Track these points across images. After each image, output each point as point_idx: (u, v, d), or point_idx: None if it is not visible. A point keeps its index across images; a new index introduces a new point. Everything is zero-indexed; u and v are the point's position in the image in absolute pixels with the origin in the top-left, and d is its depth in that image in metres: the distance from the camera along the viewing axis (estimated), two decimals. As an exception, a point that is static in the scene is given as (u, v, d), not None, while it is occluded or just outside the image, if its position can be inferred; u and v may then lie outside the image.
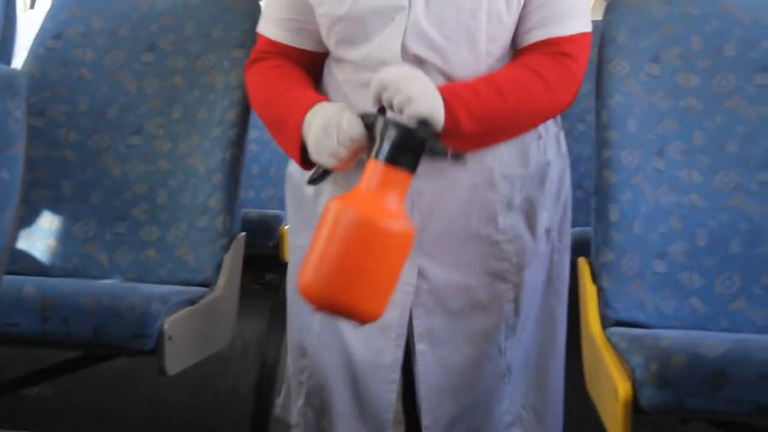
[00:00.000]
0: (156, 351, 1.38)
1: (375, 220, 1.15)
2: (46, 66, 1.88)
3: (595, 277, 1.48)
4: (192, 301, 1.50)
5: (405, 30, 1.32)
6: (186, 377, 1.52)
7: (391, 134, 1.18)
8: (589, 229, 1.62)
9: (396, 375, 1.46)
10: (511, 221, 1.42)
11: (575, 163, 2.22)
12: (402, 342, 1.44)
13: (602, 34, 1.68)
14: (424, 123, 1.20)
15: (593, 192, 1.54)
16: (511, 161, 1.41)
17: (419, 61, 1.33)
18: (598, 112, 1.58)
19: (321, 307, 1.18)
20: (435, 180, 1.38)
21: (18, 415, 2.13)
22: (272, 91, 1.42)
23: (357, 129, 1.23)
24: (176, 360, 1.40)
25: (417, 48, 1.33)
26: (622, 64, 1.59)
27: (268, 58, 1.47)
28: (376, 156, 1.18)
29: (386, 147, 1.17)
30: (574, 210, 2.17)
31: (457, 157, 1.24)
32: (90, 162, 1.82)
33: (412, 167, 1.19)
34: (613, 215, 1.48)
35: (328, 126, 1.25)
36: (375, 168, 1.18)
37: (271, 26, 1.48)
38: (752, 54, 1.62)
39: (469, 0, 1.31)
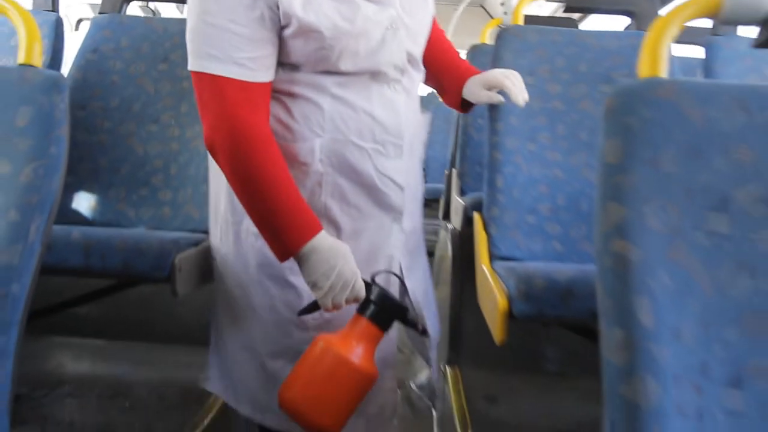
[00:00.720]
0: (170, 278, 1.39)
1: (350, 362, 1.07)
2: (86, 73, 1.86)
3: (486, 227, 1.50)
4: (196, 244, 1.50)
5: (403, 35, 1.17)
6: (194, 300, 1.52)
7: (377, 301, 1.10)
8: (482, 193, 1.63)
9: None
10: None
11: (477, 146, 2.28)
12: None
13: (494, 55, 1.71)
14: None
15: (485, 167, 1.57)
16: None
17: (412, 59, 1.21)
18: (490, 110, 1.59)
19: (293, 414, 1.09)
20: (413, 169, 1.26)
21: (71, 327, 2.12)
22: (260, 179, 1.06)
23: (361, 293, 1.10)
24: (184, 285, 1.41)
25: (411, 48, 1.20)
26: (508, 76, 1.63)
27: (248, 113, 1.07)
28: (362, 313, 1.10)
29: (372, 309, 1.10)
30: (475, 179, 2.24)
31: (425, 332, 1.17)
32: (120, 143, 1.80)
33: (385, 327, 1.11)
34: (499, 183, 1.51)
35: (347, 284, 1.09)
36: (359, 322, 1.10)
37: (241, 70, 1.06)
38: (598, 70, 1.65)
39: None
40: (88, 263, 1.39)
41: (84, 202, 1.76)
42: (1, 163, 0.81)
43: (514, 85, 1.32)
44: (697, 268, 0.66)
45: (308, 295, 1.18)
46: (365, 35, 1.12)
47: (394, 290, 1.27)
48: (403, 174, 1.22)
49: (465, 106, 1.41)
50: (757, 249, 0.68)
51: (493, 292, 1.27)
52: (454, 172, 2.40)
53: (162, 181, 1.76)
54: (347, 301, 1.10)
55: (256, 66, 1.07)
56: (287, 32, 1.09)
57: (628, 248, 0.64)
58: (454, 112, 3.05)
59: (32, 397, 1.70)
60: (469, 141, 2.31)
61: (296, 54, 1.11)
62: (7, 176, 0.80)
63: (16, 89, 0.84)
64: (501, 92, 1.36)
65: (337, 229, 1.20)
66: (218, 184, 1.27)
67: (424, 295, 1.35)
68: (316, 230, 1.08)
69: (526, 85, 1.38)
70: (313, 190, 1.18)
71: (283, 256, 1.09)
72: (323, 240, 1.08)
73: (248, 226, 1.20)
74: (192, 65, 1.07)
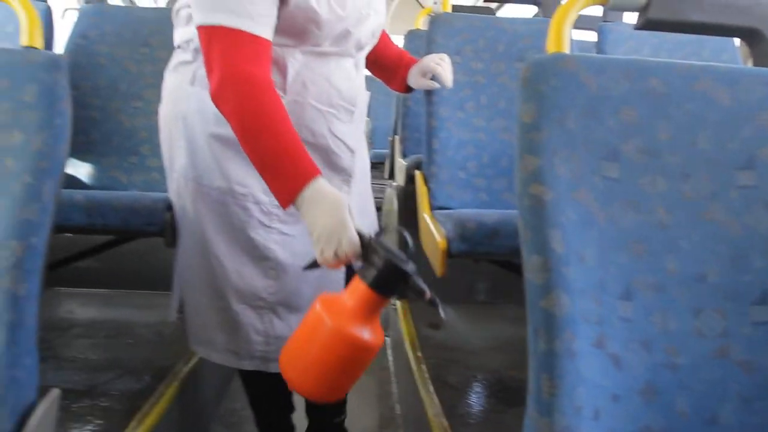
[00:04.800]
0: (163, 233, 1.38)
1: (347, 335, 0.85)
2: (76, 56, 1.78)
3: (426, 182, 1.53)
4: (183, 203, 1.49)
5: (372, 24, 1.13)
6: None
7: (378, 264, 0.86)
8: (420, 155, 1.66)
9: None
10: None
11: (415, 116, 2.29)
12: None
13: (427, 38, 1.71)
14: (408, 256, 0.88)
15: (424, 132, 1.58)
16: None
17: (370, 40, 1.16)
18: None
19: (289, 382, 0.90)
20: (360, 136, 1.22)
21: (77, 280, 2.08)
22: (265, 123, 0.94)
23: (355, 249, 0.90)
24: (175, 238, 1.40)
25: (374, 31, 1.15)
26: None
27: (255, 67, 0.95)
28: (363, 276, 0.87)
29: (371, 274, 0.86)
30: (415, 144, 2.25)
31: (433, 302, 0.88)
32: (109, 118, 1.75)
33: (388, 294, 0.87)
34: (435, 145, 1.53)
35: (331, 237, 0.90)
36: (358, 287, 0.87)
37: (254, 24, 0.95)
38: (513, 50, 1.67)
39: None
40: (91, 221, 1.37)
41: (82, 170, 1.71)
42: (15, 133, 0.79)
43: (444, 70, 1.32)
44: (595, 205, 0.69)
45: (263, 246, 1.10)
46: (348, 19, 1.06)
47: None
48: (354, 138, 1.18)
49: (409, 89, 1.41)
50: (641, 190, 0.72)
51: (434, 235, 1.30)
52: (397, 138, 2.41)
53: (149, 150, 1.72)
54: (338, 258, 0.91)
55: (265, 22, 0.97)
56: (284, 6, 1.00)
57: (542, 191, 0.66)
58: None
59: (48, 339, 1.68)
60: (408, 111, 2.31)
61: (281, 24, 1.01)
62: (20, 145, 0.79)
63: (22, 69, 0.81)
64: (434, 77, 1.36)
65: None
66: (171, 143, 1.17)
67: None
68: (311, 176, 0.93)
69: (454, 63, 1.38)
70: None
71: (285, 203, 0.95)
72: (318, 188, 0.93)
73: (209, 181, 1.11)
74: (205, 19, 0.95)
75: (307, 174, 0.93)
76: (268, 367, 1.17)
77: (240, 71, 0.94)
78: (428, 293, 0.87)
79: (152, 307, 1.95)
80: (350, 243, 0.90)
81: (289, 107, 1.02)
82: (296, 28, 1.03)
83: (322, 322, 0.86)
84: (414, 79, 1.37)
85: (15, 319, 0.73)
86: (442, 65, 1.33)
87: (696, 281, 0.70)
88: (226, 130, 1.00)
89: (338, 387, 0.92)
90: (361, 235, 0.91)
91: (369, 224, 1.28)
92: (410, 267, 0.87)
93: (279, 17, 1.01)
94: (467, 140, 1.56)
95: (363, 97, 1.21)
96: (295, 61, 1.07)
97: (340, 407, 1.39)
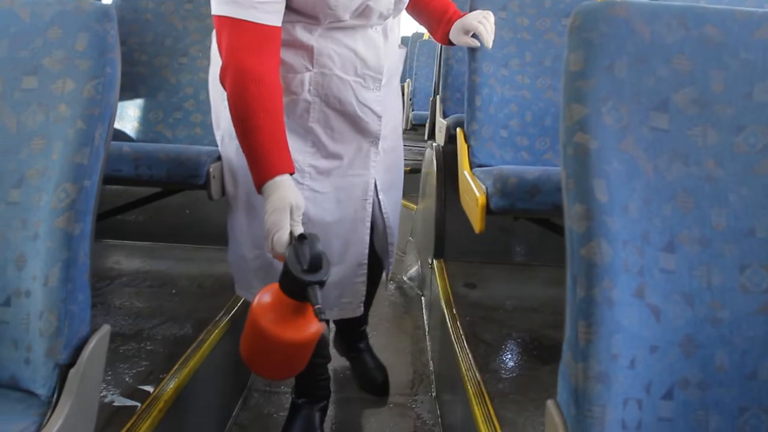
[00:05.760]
0: (205, 185, 1.41)
1: (268, 333, 0.93)
2: (123, 12, 1.81)
3: (466, 140, 1.51)
4: (226, 157, 1.52)
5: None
6: (224, 207, 1.53)
7: (283, 271, 0.93)
8: (461, 115, 1.64)
9: (369, 222, 1.28)
10: None
11: (457, 75, 2.27)
12: (372, 199, 1.27)
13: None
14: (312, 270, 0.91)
15: (466, 89, 1.55)
16: None
17: (395, 8, 1.19)
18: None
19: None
20: (390, 98, 1.27)
21: (123, 232, 2.16)
22: (249, 115, 1.02)
23: (280, 249, 0.97)
24: (217, 191, 1.43)
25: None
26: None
27: (255, 57, 1.02)
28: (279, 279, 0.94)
29: (280, 277, 0.94)
30: (456, 104, 2.23)
31: (319, 313, 0.89)
32: (155, 74, 1.78)
33: (295, 298, 0.92)
34: (477, 102, 1.51)
35: (269, 233, 0.99)
36: (276, 287, 0.95)
37: (258, 13, 1.02)
38: (561, 6, 1.63)
39: None
40: (137, 173, 1.41)
41: (129, 125, 1.76)
42: (68, 81, 0.82)
43: (486, 30, 1.32)
44: (642, 156, 0.68)
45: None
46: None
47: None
48: (381, 104, 1.22)
49: (451, 43, 1.41)
50: (690, 142, 0.70)
51: (474, 191, 1.29)
52: (438, 98, 2.38)
53: (193, 106, 1.75)
54: (272, 252, 0.99)
55: (271, 9, 1.03)
56: None
57: (587, 140, 0.66)
58: (436, 50, 2.97)
59: (96, 287, 1.75)
60: (449, 71, 2.29)
61: (297, 4, 1.08)
62: (72, 92, 0.81)
63: (74, 18, 0.83)
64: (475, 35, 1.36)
65: (321, 150, 1.21)
66: (217, 103, 1.27)
67: (394, 210, 1.36)
68: (276, 173, 1.01)
69: (499, 19, 1.39)
70: (302, 116, 1.19)
71: (257, 188, 1.04)
72: (275, 185, 1.01)
73: None
74: (217, 10, 1.04)
75: (271, 171, 1.01)
76: None
77: (239, 62, 1.02)
78: (316, 306, 0.89)
79: (193, 260, 2.01)
80: (278, 242, 0.97)
81: (316, 79, 1.15)
82: (310, 9, 1.08)
83: (252, 318, 0.95)
84: (456, 34, 1.37)
85: (70, 257, 0.77)
86: (484, 24, 1.32)
87: (743, 236, 0.69)
88: None
89: (279, 371, 1.02)
90: (294, 236, 0.95)
91: (396, 180, 1.36)
92: (310, 277, 0.90)
93: (291, 0, 1.07)
94: (510, 98, 1.54)
95: (393, 61, 1.25)
96: (319, 36, 1.13)
97: (361, 318, 1.52)
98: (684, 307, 0.67)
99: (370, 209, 1.27)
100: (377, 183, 1.28)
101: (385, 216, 1.32)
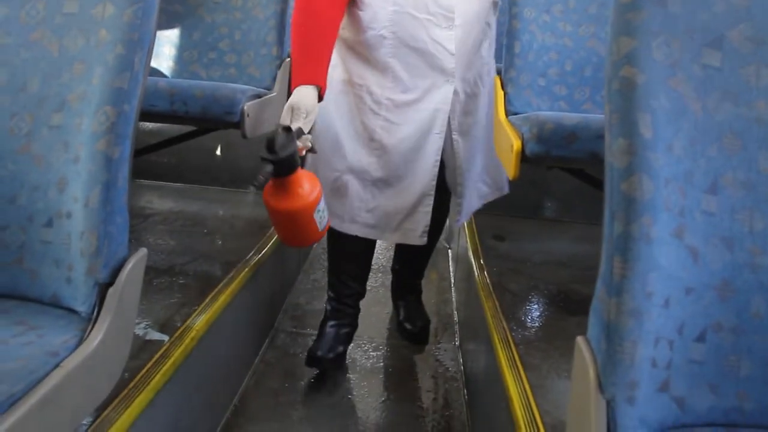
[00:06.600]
0: (240, 124, 1.42)
1: (269, 203, 1.16)
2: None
3: (503, 86, 1.48)
4: (259, 96, 1.52)
5: None
6: (254, 150, 1.54)
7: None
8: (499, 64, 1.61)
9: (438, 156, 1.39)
10: None
11: (497, 25, 2.20)
12: (443, 135, 1.37)
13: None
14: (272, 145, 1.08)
15: (505, 34, 1.52)
16: None
17: None
18: None
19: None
20: (469, 41, 1.33)
21: (155, 173, 2.20)
22: (302, 31, 1.22)
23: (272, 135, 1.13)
24: (251, 130, 1.44)
25: None
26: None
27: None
28: None
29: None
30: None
31: (258, 181, 1.09)
32: (191, 13, 1.77)
33: (274, 175, 1.11)
34: (516, 48, 1.48)
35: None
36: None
37: None
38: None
39: None
40: (172, 108, 1.42)
41: (164, 63, 1.77)
42: (108, 6, 0.82)
43: None
44: (691, 94, 0.66)
45: (371, 130, 1.34)
46: None
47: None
48: (454, 42, 1.30)
49: None
50: (741, 81, 0.68)
51: (509, 137, 1.27)
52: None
53: (228, 45, 1.75)
54: None
55: None
56: None
57: (635, 73, 0.64)
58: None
59: (131, 224, 1.79)
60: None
61: None
62: (112, 17, 0.81)
63: (114, -58, 0.83)
64: None
65: (399, 84, 1.33)
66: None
67: (471, 156, 1.44)
68: (306, 82, 1.19)
69: None
70: (380, 51, 1.30)
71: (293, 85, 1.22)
72: (300, 91, 1.19)
73: (334, 75, 1.33)
74: None
75: (303, 78, 1.20)
76: (365, 233, 1.43)
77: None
78: (259, 178, 1.08)
79: (224, 202, 2.04)
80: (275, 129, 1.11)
81: (393, 17, 1.27)
82: None
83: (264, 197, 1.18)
84: None
85: (109, 180, 0.78)
86: None
87: (791, 181, 0.67)
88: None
89: (291, 237, 1.26)
90: (283, 127, 1.11)
91: (474, 126, 1.44)
92: (263, 154, 1.09)
93: None
94: (550, 45, 1.50)
95: (471, 5, 1.31)
96: None
97: (419, 272, 1.76)
98: (723, 250, 0.66)
99: (441, 143, 1.37)
100: (453, 123, 1.38)
101: (456, 155, 1.42)
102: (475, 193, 1.52)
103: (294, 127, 1.13)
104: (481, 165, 1.49)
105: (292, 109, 1.17)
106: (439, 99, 1.34)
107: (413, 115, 1.34)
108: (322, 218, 1.21)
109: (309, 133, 1.22)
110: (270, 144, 1.08)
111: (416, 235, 1.43)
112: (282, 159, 1.09)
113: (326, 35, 1.21)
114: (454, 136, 1.39)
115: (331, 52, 1.23)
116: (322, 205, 1.20)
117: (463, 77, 1.35)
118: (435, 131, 1.36)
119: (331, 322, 1.56)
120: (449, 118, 1.36)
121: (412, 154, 1.36)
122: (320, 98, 1.22)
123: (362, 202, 1.40)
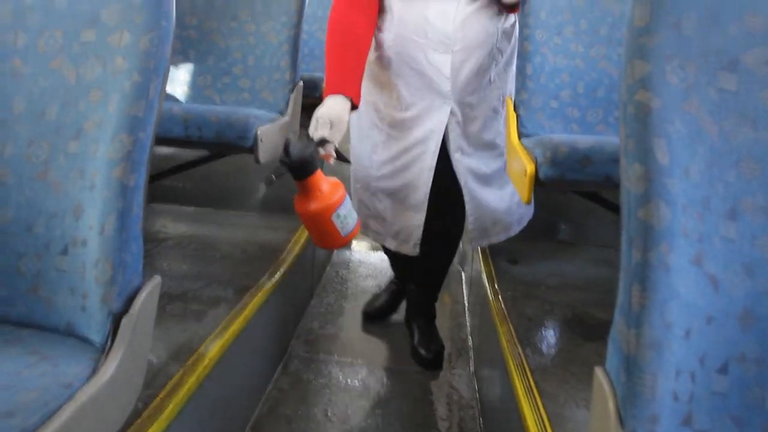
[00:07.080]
0: (253, 148, 1.43)
1: (294, 204, 1.25)
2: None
3: (516, 109, 1.48)
4: (272, 120, 1.52)
5: None
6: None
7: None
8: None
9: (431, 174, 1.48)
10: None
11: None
12: (437, 154, 1.46)
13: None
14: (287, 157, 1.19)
15: (517, 56, 1.51)
16: None
17: None
18: (523, 5, 1.51)
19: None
20: (468, 66, 1.41)
21: (168, 197, 2.21)
22: (334, 46, 1.33)
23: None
24: (264, 155, 1.44)
25: None
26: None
27: (354, 10, 1.34)
28: None
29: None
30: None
31: (270, 181, 1.24)
32: (205, 38, 1.79)
33: (294, 177, 1.21)
34: (528, 70, 1.47)
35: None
36: None
37: None
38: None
39: None
40: (186, 133, 1.43)
41: (178, 88, 1.78)
42: (125, 34, 0.83)
43: None
44: (707, 118, 0.65)
45: (374, 143, 1.51)
46: None
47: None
48: (450, 67, 1.39)
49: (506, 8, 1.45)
50: (759, 105, 0.67)
51: (522, 161, 1.27)
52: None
53: (241, 71, 1.76)
54: None
55: None
56: None
57: (649, 98, 0.63)
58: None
59: (145, 249, 1.79)
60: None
61: None
62: (129, 45, 0.82)
63: (131, -27, 0.84)
64: None
65: (401, 102, 1.43)
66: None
67: (467, 174, 1.49)
68: (332, 91, 1.28)
69: None
70: (386, 70, 1.43)
71: (325, 94, 1.31)
72: (329, 100, 1.27)
73: (369, 100, 1.49)
74: None
75: (332, 88, 1.28)
76: (374, 237, 1.62)
77: (339, 12, 1.34)
78: (270, 175, 1.22)
79: (237, 226, 2.05)
80: (297, 139, 1.25)
81: (395, 40, 1.40)
82: None
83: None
84: None
85: (124, 207, 0.79)
86: None
87: (812, 206, 0.66)
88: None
89: (318, 239, 1.31)
90: (305, 134, 1.25)
91: (475, 147, 1.52)
92: (285, 160, 1.20)
93: None
94: (562, 67, 1.49)
95: (471, 33, 1.38)
96: (398, 3, 1.38)
97: (433, 294, 1.83)
98: (744, 277, 0.65)
99: (433, 162, 1.45)
100: (451, 143, 1.46)
101: (459, 175, 1.49)
102: (489, 218, 1.55)
103: (317, 136, 1.22)
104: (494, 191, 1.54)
105: (317, 119, 1.26)
106: (435, 119, 1.43)
107: (411, 133, 1.45)
108: (344, 224, 1.26)
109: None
110: (285, 147, 1.20)
111: (409, 247, 1.56)
112: (294, 162, 1.18)
113: (358, 46, 1.31)
114: (456, 156, 1.47)
115: (362, 65, 1.32)
116: (343, 210, 1.25)
117: (460, 100, 1.43)
118: (429, 150, 1.45)
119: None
120: (450, 138, 1.45)
121: (405, 169, 1.47)
122: (354, 107, 1.30)
123: (367, 208, 1.57)
